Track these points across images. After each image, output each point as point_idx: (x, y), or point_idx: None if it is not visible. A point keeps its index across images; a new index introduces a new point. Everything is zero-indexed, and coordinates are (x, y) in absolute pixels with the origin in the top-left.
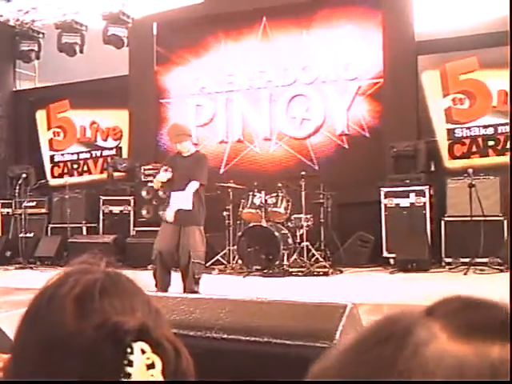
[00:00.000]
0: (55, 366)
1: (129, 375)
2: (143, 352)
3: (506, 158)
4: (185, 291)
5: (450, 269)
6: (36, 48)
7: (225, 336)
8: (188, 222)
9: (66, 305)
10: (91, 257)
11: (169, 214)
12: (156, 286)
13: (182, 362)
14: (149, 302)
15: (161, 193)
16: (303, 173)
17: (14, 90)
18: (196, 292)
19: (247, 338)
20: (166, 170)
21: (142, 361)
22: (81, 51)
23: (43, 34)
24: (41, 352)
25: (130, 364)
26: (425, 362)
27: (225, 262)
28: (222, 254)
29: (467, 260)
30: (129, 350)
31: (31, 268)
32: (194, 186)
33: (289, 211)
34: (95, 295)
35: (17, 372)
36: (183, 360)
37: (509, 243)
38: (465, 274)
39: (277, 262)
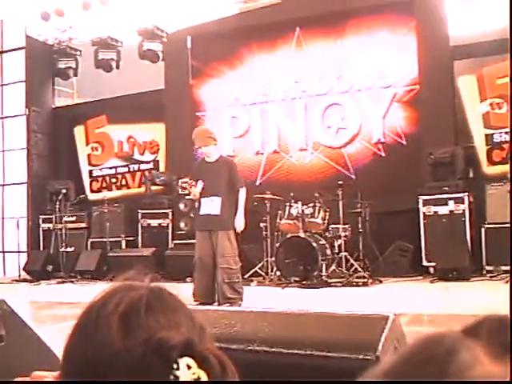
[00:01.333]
0: (103, 383)
1: None
2: (189, 367)
3: None
4: (218, 298)
5: (491, 277)
6: (73, 65)
7: (266, 349)
8: (216, 227)
9: (112, 322)
10: (135, 273)
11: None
12: (194, 295)
13: (228, 376)
14: (192, 317)
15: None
16: (340, 182)
17: (53, 106)
18: (230, 299)
19: (289, 351)
20: (195, 182)
21: (187, 376)
22: (117, 67)
23: (80, 51)
24: (89, 369)
25: (177, 380)
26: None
27: (263, 273)
28: (260, 265)
29: (509, 268)
30: (175, 366)
31: (72, 282)
32: (243, 195)
33: (326, 221)
34: (140, 312)
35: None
36: (229, 374)
37: (509, 249)
38: (506, 282)
39: (315, 273)
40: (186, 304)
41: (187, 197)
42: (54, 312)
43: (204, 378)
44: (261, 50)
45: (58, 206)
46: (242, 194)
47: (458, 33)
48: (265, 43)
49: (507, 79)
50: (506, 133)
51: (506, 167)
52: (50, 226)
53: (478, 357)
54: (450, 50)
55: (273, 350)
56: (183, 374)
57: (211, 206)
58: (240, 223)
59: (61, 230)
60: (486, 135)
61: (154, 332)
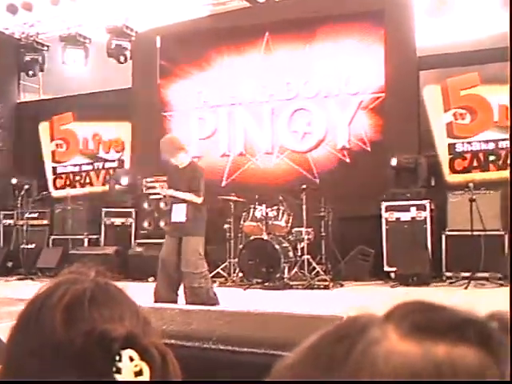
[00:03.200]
0: (46, 374)
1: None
2: (131, 359)
3: (506, 173)
4: (186, 302)
5: (450, 283)
6: (40, 60)
7: (221, 347)
8: (183, 233)
9: (55, 314)
10: (81, 266)
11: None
12: (154, 296)
13: (169, 368)
14: (137, 311)
15: (162, 205)
16: (304, 186)
17: (18, 101)
18: (192, 303)
19: (244, 349)
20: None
21: (130, 368)
22: (84, 64)
23: (48, 46)
24: (32, 360)
25: (119, 371)
26: (374, 361)
27: (225, 274)
28: (222, 266)
29: (468, 274)
30: (117, 358)
31: (32, 279)
32: (188, 196)
33: (290, 224)
34: (84, 304)
35: (9, 380)
36: (169, 365)
37: (509, 256)
38: (465, 288)
39: (277, 275)
40: (133, 299)
41: (151, 196)
42: (12, 309)
43: (146, 369)
44: (230, 53)
45: (19, 202)
46: (196, 199)
47: (425, 43)
48: (234, 46)
49: (471, 91)
50: (469, 143)
51: (467, 176)
52: (12, 221)
53: (387, 334)
54: (416, 60)
55: (228, 348)
56: (125, 365)
57: (178, 212)
58: (168, 191)
59: (22, 226)
60: (449, 144)
61: (97, 324)
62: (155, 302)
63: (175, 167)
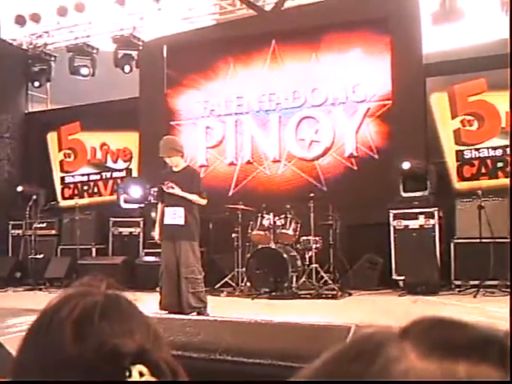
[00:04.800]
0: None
1: None
2: (141, 375)
3: None
4: (184, 308)
5: (459, 291)
6: (47, 71)
7: (229, 358)
8: (180, 238)
9: (65, 328)
10: (92, 278)
11: (156, 233)
12: (160, 304)
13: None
14: (148, 325)
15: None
16: (312, 194)
17: (26, 112)
18: (195, 308)
19: (251, 360)
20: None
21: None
22: (92, 74)
23: (55, 56)
24: (40, 374)
25: None
26: (392, 379)
27: (233, 284)
28: (230, 276)
29: (477, 282)
30: (127, 373)
31: (40, 289)
32: (195, 197)
33: (297, 233)
34: (94, 318)
35: (9, 380)
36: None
37: (509, 263)
38: (474, 296)
39: (285, 285)
40: (144, 312)
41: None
42: (20, 319)
43: None
44: (236, 62)
45: (28, 212)
46: (201, 200)
47: (432, 50)
48: (240, 55)
49: (478, 97)
50: (477, 149)
51: (476, 183)
52: (20, 232)
53: (405, 352)
54: (422, 67)
55: (235, 359)
56: (135, 381)
57: (175, 216)
58: (175, 191)
59: (30, 236)
60: (457, 151)
61: (108, 339)
62: (162, 309)
63: (169, 171)
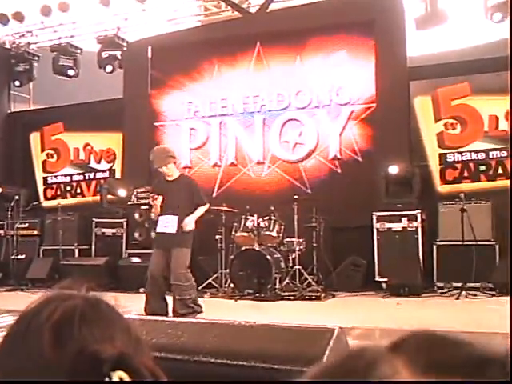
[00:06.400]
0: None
1: None
2: (122, 381)
3: (497, 183)
4: (176, 314)
5: (441, 293)
6: (29, 70)
7: (212, 360)
8: (172, 245)
9: (43, 332)
10: (73, 282)
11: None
12: (145, 310)
13: None
14: (129, 330)
15: (153, 215)
16: (296, 196)
17: (9, 112)
18: (183, 315)
19: (234, 362)
20: (155, 199)
21: None
22: (76, 74)
23: (38, 56)
24: (18, 379)
25: None
26: None
27: (217, 285)
28: (214, 277)
29: (459, 285)
30: (107, 379)
31: (22, 290)
32: (202, 209)
33: (281, 235)
34: (74, 323)
35: (9, 380)
36: None
37: (509, 267)
38: (457, 298)
39: (269, 286)
40: (125, 315)
41: (142, 207)
42: (1, 320)
43: None
44: (221, 64)
45: (10, 213)
46: (204, 207)
47: (416, 54)
48: (225, 57)
49: (461, 101)
50: (459, 153)
51: (458, 186)
52: (2, 232)
53: (398, 370)
54: (406, 71)
55: (218, 361)
56: None
57: (168, 224)
58: (190, 223)
59: (12, 236)
60: (440, 154)
61: (87, 344)
62: (147, 315)
63: (162, 180)
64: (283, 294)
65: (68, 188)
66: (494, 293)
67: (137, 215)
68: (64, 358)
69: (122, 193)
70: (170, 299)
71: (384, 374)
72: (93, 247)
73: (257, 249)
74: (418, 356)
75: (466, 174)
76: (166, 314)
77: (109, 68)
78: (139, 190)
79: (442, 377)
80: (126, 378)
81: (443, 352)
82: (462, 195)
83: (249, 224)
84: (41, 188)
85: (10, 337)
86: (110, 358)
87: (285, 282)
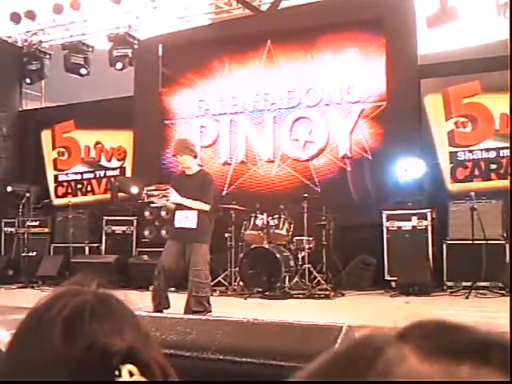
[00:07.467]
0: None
1: None
2: (131, 374)
3: (508, 182)
4: (185, 311)
5: (451, 292)
6: (41, 68)
7: (221, 357)
8: (191, 240)
9: (54, 326)
10: (83, 277)
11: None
12: (153, 305)
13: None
14: (138, 324)
15: (163, 213)
16: (305, 195)
17: (20, 109)
18: (195, 312)
19: (243, 359)
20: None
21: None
22: (87, 72)
23: (50, 54)
24: (29, 373)
25: None
26: (394, 382)
27: (226, 283)
28: (223, 275)
29: (469, 284)
30: (117, 373)
31: (33, 287)
32: (200, 205)
33: (291, 233)
34: (84, 317)
35: (9, 380)
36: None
37: (509, 265)
38: (466, 297)
39: (278, 284)
40: (134, 311)
41: (152, 205)
42: (12, 317)
43: None
44: (231, 61)
45: (21, 210)
46: (204, 205)
47: (426, 52)
48: (236, 55)
49: (472, 99)
50: (470, 151)
51: (469, 185)
52: (13, 229)
53: (405, 355)
54: (417, 69)
55: (227, 358)
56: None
57: (187, 219)
58: (174, 197)
59: (23, 234)
60: (451, 153)
61: (97, 338)
62: (155, 311)
63: (182, 174)
64: (292, 292)
65: (79, 186)
66: (503, 292)
67: (147, 213)
68: (74, 351)
69: (134, 190)
70: (175, 296)
71: (391, 358)
72: (103, 245)
73: (266, 247)
74: (425, 341)
75: (476, 172)
76: (168, 306)
77: (119, 65)
78: (149, 188)
79: (449, 360)
80: (135, 371)
81: (448, 337)
82: (473, 194)
83: (258, 222)
84: (52, 186)
85: (22, 331)
86: (119, 351)
87: (294, 281)
